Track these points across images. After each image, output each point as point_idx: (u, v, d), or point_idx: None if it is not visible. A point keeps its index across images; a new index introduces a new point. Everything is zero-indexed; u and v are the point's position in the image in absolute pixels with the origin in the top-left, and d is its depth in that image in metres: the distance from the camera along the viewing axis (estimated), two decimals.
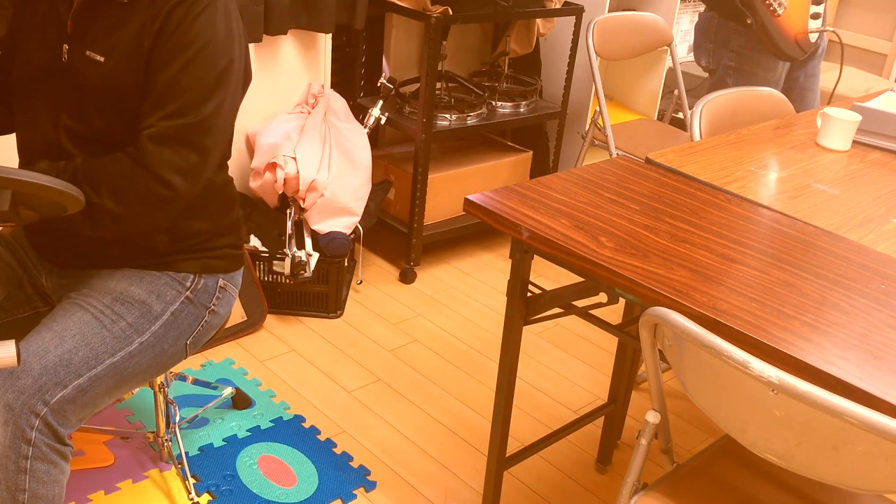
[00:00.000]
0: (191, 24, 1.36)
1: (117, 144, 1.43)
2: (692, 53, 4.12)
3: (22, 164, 1.53)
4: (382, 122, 2.86)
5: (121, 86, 1.39)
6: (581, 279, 1.54)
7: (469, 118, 2.97)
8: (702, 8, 3.95)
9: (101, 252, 1.53)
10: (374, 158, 2.87)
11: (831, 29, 2.68)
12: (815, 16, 2.66)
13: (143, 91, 1.39)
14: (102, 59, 1.39)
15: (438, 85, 3.02)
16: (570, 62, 3.21)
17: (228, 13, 1.42)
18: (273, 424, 2.19)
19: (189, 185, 1.40)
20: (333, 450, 2.13)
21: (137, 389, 2.20)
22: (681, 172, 1.75)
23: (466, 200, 1.54)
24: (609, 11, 3.19)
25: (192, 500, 1.91)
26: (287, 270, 2.54)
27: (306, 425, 2.21)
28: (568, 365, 2.60)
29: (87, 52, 1.40)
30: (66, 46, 1.43)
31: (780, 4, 2.50)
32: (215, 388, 2.24)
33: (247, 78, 1.54)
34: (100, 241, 1.50)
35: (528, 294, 1.61)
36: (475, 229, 3.20)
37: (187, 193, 1.41)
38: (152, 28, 1.37)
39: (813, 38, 2.66)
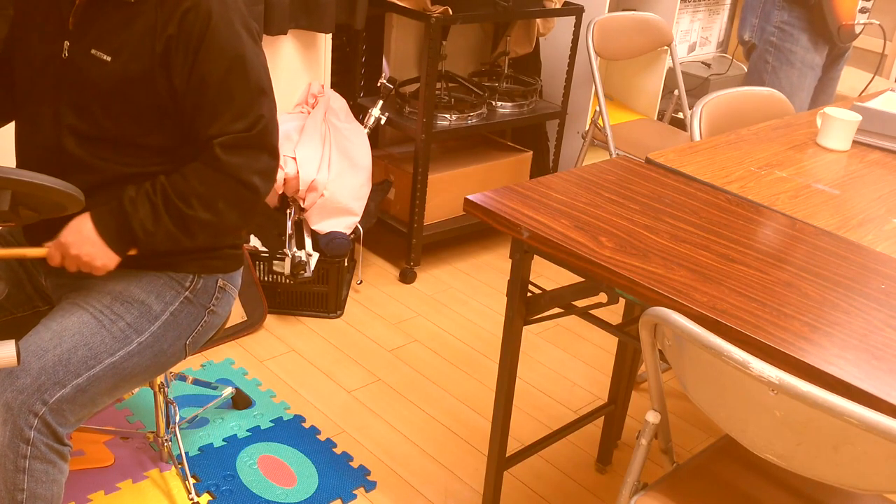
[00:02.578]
0: (217, 32, 1.38)
1: (126, 144, 1.43)
2: (694, 53, 4.13)
3: (20, 165, 1.53)
4: (382, 122, 2.86)
5: (128, 86, 1.40)
6: (581, 279, 1.54)
7: (469, 118, 2.97)
8: (702, 8, 3.95)
9: None
10: (374, 158, 2.87)
11: (876, 22, 2.71)
12: (864, 10, 2.69)
13: (175, 101, 1.41)
14: (109, 59, 1.39)
15: (438, 85, 3.02)
16: (570, 62, 3.20)
17: (242, 14, 1.43)
18: (273, 424, 2.19)
19: (268, 184, 1.47)
20: (333, 450, 2.13)
21: (137, 389, 2.20)
22: (681, 172, 1.75)
23: (466, 200, 1.54)
24: (609, 11, 3.19)
25: (192, 500, 1.91)
26: (287, 270, 2.54)
27: (306, 425, 2.21)
28: (568, 365, 2.60)
29: (93, 51, 1.40)
30: (66, 43, 1.43)
31: None
32: (215, 388, 2.24)
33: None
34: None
35: (528, 294, 1.61)
36: (475, 229, 3.20)
37: (267, 191, 1.47)
38: (164, 32, 1.37)
39: (857, 29, 2.70)
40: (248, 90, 1.42)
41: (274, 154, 1.46)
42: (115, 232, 1.42)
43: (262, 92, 1.44)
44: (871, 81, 2.84)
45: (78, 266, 1.43)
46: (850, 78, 3.96)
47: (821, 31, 2.65)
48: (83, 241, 1.41)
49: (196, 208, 1.42)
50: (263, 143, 1.44)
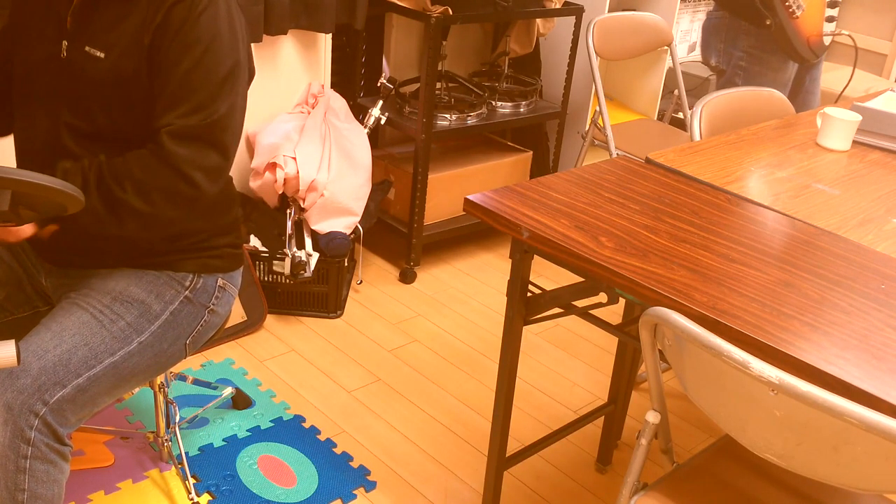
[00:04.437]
0: (195, 23, 1.36)
1: (122, 140, 1.43)
2: (694, 53, 4.13)
3: (20, 164, 1.53)
4: (382, 122, 2.86)
5: (122, 81, 1.40)
6: (581, 279, 1.54)
7: (469, 118, 2.97)
8: (702, 8, 3.95)
9: (101, 252, 1.53)
10: (374, 158, 2.87)
11: (846, 32, 2.69)
12: (830, 19, 2.67)
13: (151, 90, 1.40)
14: (102, 56, 1.40)
15: (438, 85, 3.02)
16: (570, 62, 3.20)
17: (230, 10, 1.42)
18: (273, 424, 2.19)
19: (211, 183, 1.41)
20: (333, 450, 2.13)
21: (137, 389, 2.20)
22: (681, 172, 1.75)
23: (466, 200, 1.54)
24: (609, 11, 3.19)
25: (192, 500, 1.91)
26: (287, 270, 2.54)
27: (306, 425, 2.21)
28: (568, 365, 2.60)
29: (87, 48, 1.40)
30: (65, 43, 1.43)
31: (798, 6, 2.51)
32: (215, 388, 2.24)
33: (250, 74, 1.54)
34: (100, 240, 1.50)
35: (528, 294, 1.61)
36: (475, 229, 3.20)
37: (209, 191, 1.42)
38: (152, 24, 1.37)
39: (827, 41, 2.67)
40: (210, 85, 1.38)
41: (224, 153, 1.41)
42: None
43: (227, 89, 1.40)
44: (849, 81, 2.82)
45: (13, 238, 1.37)
46: (849, 78, 3.96)
47: (790, 51, 2.62)
48: None
49: (129, 193, 1.37)
50: (214, 138, 1.39)
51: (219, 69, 1.39)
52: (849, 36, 2.70)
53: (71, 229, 1.42)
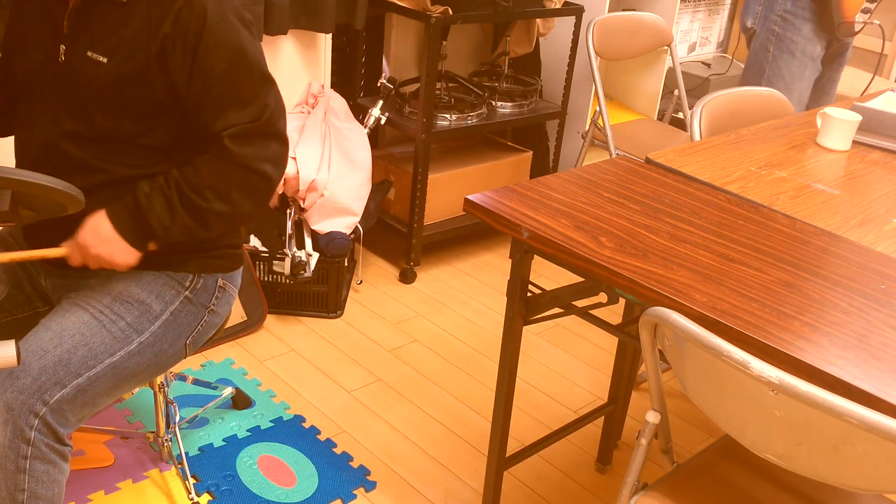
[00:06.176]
0: (213, 27, 1.38)
1: (122, 143, 1.43)
2: (694, 53, 4.13)
3: (19, 166, 1.53)
4: (382, 122, 2.86)
5: (125, 86, 1.40)
6: (581, 279, 1.54)
7: (469, 118, 2.97)
8: (702, 8, 3.95)
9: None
10: (374, 158, 2.87)
11: (877, 22, 2.72)
12: (866, 10, 2.70)
13: (176, 98, 1.41)
14: (105, 60, 1.39)
15: (438, 85, 3.02)
16: (570, 62, 3.20)
17: (235, 7, 1.43)
18: (273, 424, 2.19)
19: (279, 170, 1.48)
20: (333, 450, 2.13)
21: (137, 389, 2.20)
22: (681, 172, 1.75)
23: (466, 200, 1.54)
24: (609, 11, 3.19)
25: (192, 500, 1.91)
26: (287, 270, 2.54)
27: (306, 425, 2.21)
28: (568, 365, 2.60)
29: (89, 53, 1.40)
30: (62, 47, 1.43)
31: None
32: (215, 388, 2.24)
33: None
34: None
35: (528, 294, 1.61)
36: (475, 229, 3.20)
37: (279, 178, 1.49)
38: (159, 31, 1.37)
39: (857, 27, 2.71)
40: (251, 81, 1.42)
41: (283, 140, 1.48)
42: (133, 228, 1.43)
43: (265, 81, 1.44)
44: (871, 81, 2.85)
45: (99, 264, 1.44)
46: (850, 78, 3.96)
47: (823, 22, 2.66)
48: (101, 240, 1.42)
49: (210, 200, 1.43)
50: (271, 130, 1.45)
51: (252, 64, 1.43)
52: (879, 26, 2.73)
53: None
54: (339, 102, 2.81)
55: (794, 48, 2.69)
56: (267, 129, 1.44)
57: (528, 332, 2.75)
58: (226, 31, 1.39)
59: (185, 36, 1.37)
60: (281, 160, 1.48)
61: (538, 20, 3.21)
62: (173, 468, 2.00)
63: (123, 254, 1.43)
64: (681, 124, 3.54)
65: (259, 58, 1.44)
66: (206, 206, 1.43)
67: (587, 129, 3.12)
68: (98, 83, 1.40)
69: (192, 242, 1.54)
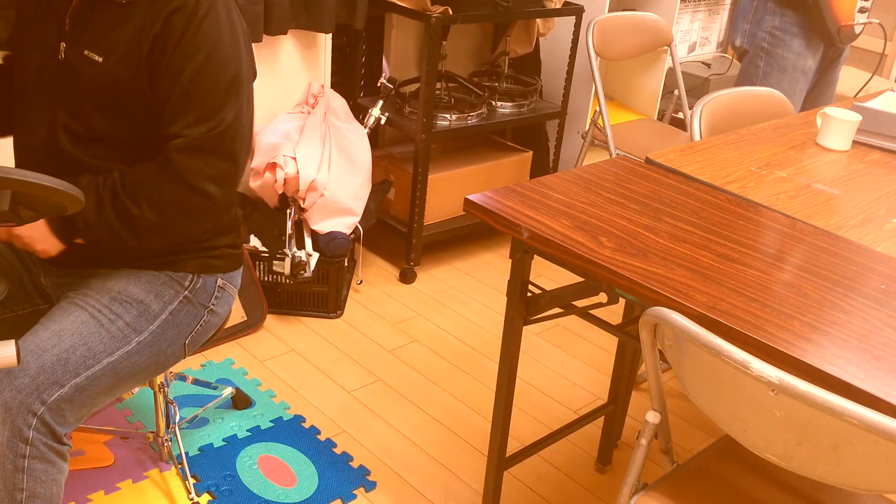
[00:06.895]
0: (196, 32, 1.37)
1: (119, 143, 1.43)
2: (694, 53, 4.13)
3: (18, 165, 1.53)
4: (382, 122, 2.86)
5: (119, 86, 1.40)
6: (581, 279, 1.54)
7: (469, 118, 2.97)
8: (702, 8, 3.95)
9: (100, 252, 1.52)
10: (374, 158, 2.87)
11: (877, 21, 2.70)
12: (863, 10, 2.68)
13: (152, 98, 1.40)
14: (101, 59, 1.40)
15: (438, 85, 3.02)
16: (570, 62, 3.20)
17: (230, 15, 1.42)
18: (273, 424, 2.19)
19: (224, 192, 1.42)
20: (333, 450, 2.13)
21: (137, 389, 2.20)
22: (681, 172, 1.75)
23: (466, 200, 1.54)
24: (609, 11, 3.18)
25: (192, 500, 1.90)
26: (287, 270, 2.54)
27: (306, 425, 2.21)
28: (568, 365, 2.60)
29: (86, 52, 1.40)
30: (63, 45, 1.43)
31: None
32: (215, 388, 2.23)
33: (252, 75, 1.54)
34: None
35: (528, 294, 1.60)
36: (475, 229, 3.20)
37: (223, 201, 1.43)
38: (150, 32, 1.37)
39: (857, 29, 2.69)
40: (216, 93, 1.39)
41: (233, 160, 1.42)
42: (56, 219, 1.41)
43: (232, 96, 1.40)
44: (869, 80, 2.84)
45: (22, 245, 1.42)
46: (849, 77, 3.96)
47: (819, 32, 2.64)
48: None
49: (143, 208, 1.39)
50: (221, 148, 1.40)
51: (222, 77, 1.39)
52: (879, 25, 2.72)
53: (113, 241, 1.43)
54: (339, 102, 2.81)
55: (784, 64, 2.67)
56: (217, 145, 1.39)
57: (528, 332, 2.75)
58: (209, 40, 1.37)
59: (170, 37, 1.36)
60: (227, 180, 1.42)
61: (538, 20, 3.21)
62: (173, 468, 2.00)
63: (44, 241, 1.41)
64: (681, 124, 3.54)
65: (235, 75, 1.40)
66: (137, 212, 1.39)
67: (587, 129, 3.12)
68: (93, 82, 1.40)
69: (191, 242, 1.55)
